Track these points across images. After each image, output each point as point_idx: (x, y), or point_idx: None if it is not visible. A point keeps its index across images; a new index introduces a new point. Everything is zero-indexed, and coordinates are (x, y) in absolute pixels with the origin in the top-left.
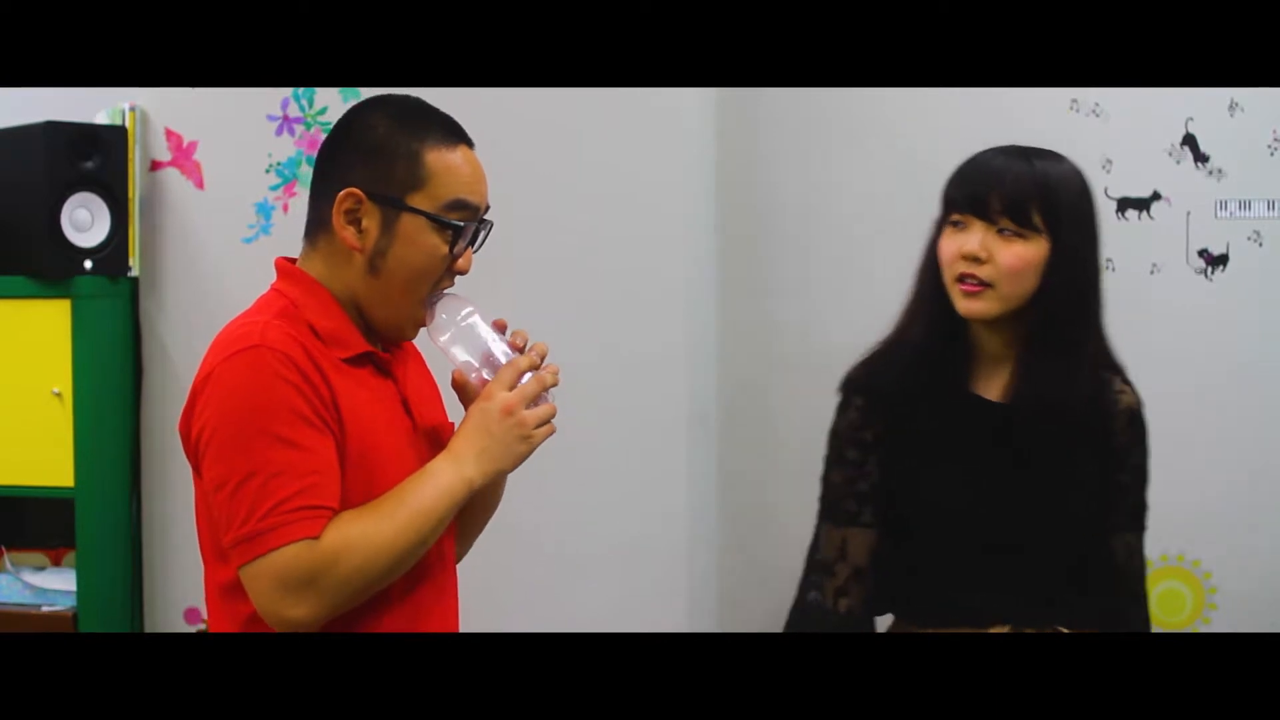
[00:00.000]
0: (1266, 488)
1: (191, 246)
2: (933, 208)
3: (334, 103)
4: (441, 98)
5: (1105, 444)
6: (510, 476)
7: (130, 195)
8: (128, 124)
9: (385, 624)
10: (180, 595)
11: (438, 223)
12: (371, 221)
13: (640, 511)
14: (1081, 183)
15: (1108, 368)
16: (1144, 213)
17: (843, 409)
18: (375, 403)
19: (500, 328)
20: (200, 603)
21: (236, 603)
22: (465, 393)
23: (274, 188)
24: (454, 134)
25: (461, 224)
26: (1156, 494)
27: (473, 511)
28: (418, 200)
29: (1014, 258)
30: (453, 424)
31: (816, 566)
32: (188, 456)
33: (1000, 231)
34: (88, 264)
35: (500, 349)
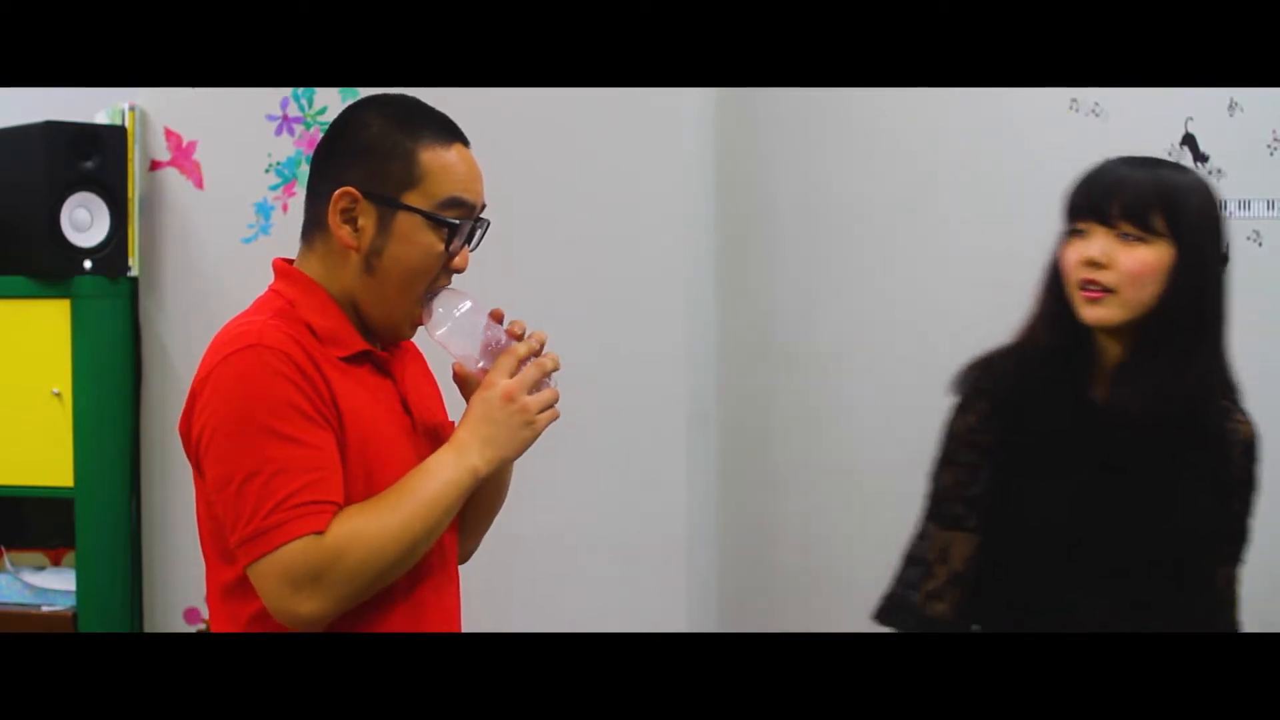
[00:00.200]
0: (1267, 486)
1: (191, 246)
2: (932, 208)
3: (333, 103)
4: (441, 98)
5: (1218, 472)
6: (511, 477)
7: (130, 195)
8: (127, 124)
9: (387, 624)
10: (180, 595)
11: (433, 221)
12: (367, 220)
13: (640, 511)
14: (1207, 192)
15: (1227, 395)
16: None
17: (962, 410)
18: (374, 401)
19: (498, 318)
20: (200, 603)
21: (238, 603)
22: (467, 385)
23: (274, 187)
24: (449, 132)
25: (457, 222)
26: None
27: (479, 507)
28: (413, 199)
29: (1135, 262)
30: (453, 423)
31: (915, 563)
32: (188, 457)
33: (1122, 236)
34: (87, 264)
35: (499, 338)
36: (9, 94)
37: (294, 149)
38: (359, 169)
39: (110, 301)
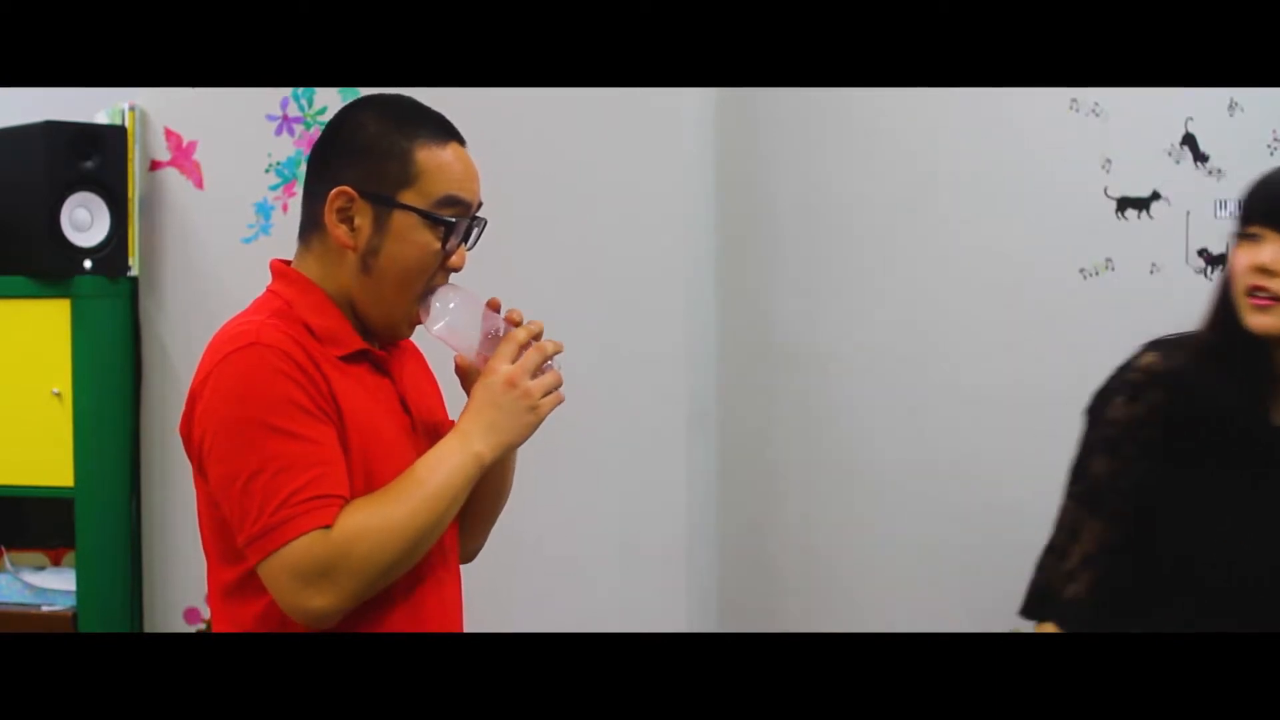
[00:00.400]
0: None
1: (191, 246)
2: (931, 208)
3: (333, 102)
4: (441, 98)
5: None
6: (514, 471)
7: (130, 195)
8: (127, 124)
9: (388, 623)
10: (180, 595)
11: (430, 219)
12: (364, 219)
13: (640, 511)
14: None
15: None
16: (1143, 212)
17: (1131, 399)
18: (372, 400)
19: (495, 307)
20: (200, 602)
21: (240, 603)
22: (469, 378)
23: (274, 187)
24: (445, 131)
25: (453, 220)
26: None
27: (482, 503)
28: (409, 197)
29: None
30: (453, 421)
31: (1053, 551)
32: (189, 458)
33: None
34: (87, 264)
35: (497, 327)
36: (9, 94)
37: (294, 149)
38: (355, 168)
39: (110, 301)
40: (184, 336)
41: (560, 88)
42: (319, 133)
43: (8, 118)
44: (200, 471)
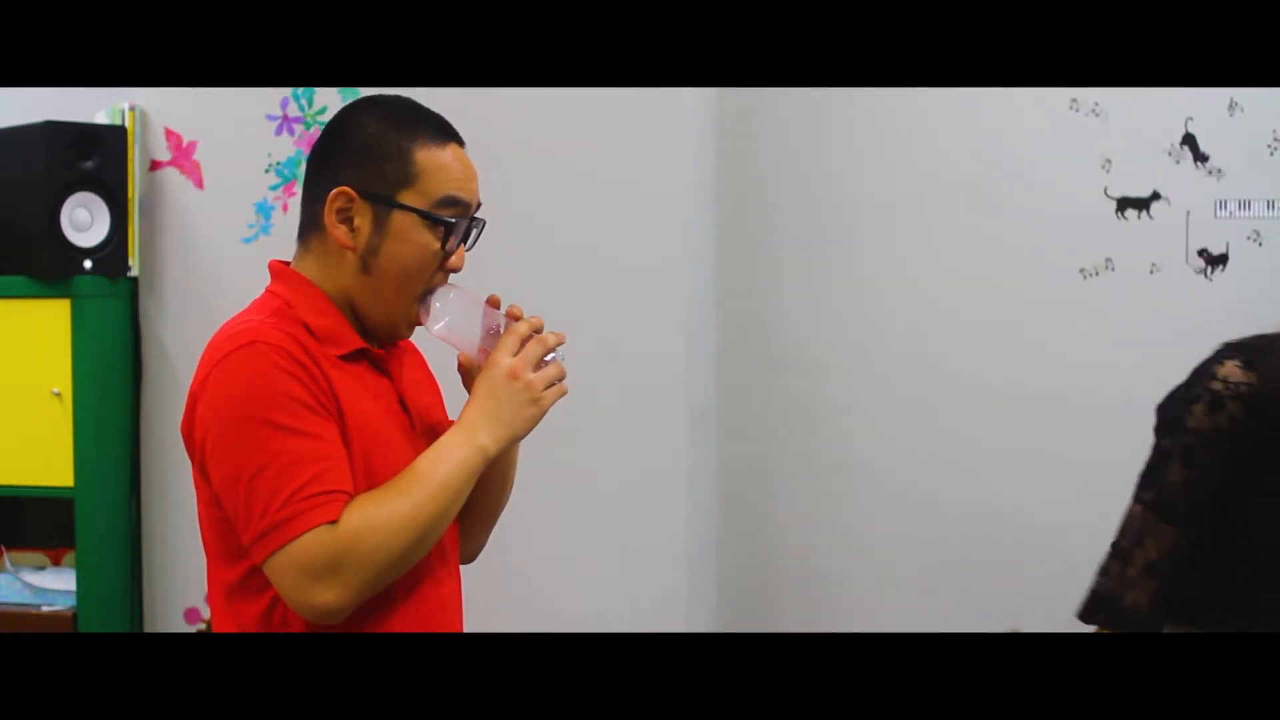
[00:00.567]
0: None
1: (191, 246)
2: (931, 207)
3: (333, 102)
4: (441, 98)
5: None
6: (515, 469)
7: (130, 195)
8: (127, 124)
9: (389, 624)
10: (180, 595)
11: (429, 219)
12: (363, 220)
13: (641, 511)
14: None
15: None
16: (1143, 212)
17: (1211, 410)
18: (372, 399)
19: (495, 304)
20: (200, 602)
21: (242, 602)
22: (471, 376)
23: (273, 187)
24: (444, 132)
25: (453, 220)
26: None
27: (483, 500)
28: (409, 198)
29: None
30: (452, 420)
31: (1117, 554)
32: (190, 457)
33: None
34: (87, 264)
35: (498, 323)
36: (9, 94)
37: (294, 149)
38: (355, 169)
39: (110, 301)
40: (184, 336)
41: (560, 88)
42: (319, 133)
43: (8, 118)
44: (201, 471)
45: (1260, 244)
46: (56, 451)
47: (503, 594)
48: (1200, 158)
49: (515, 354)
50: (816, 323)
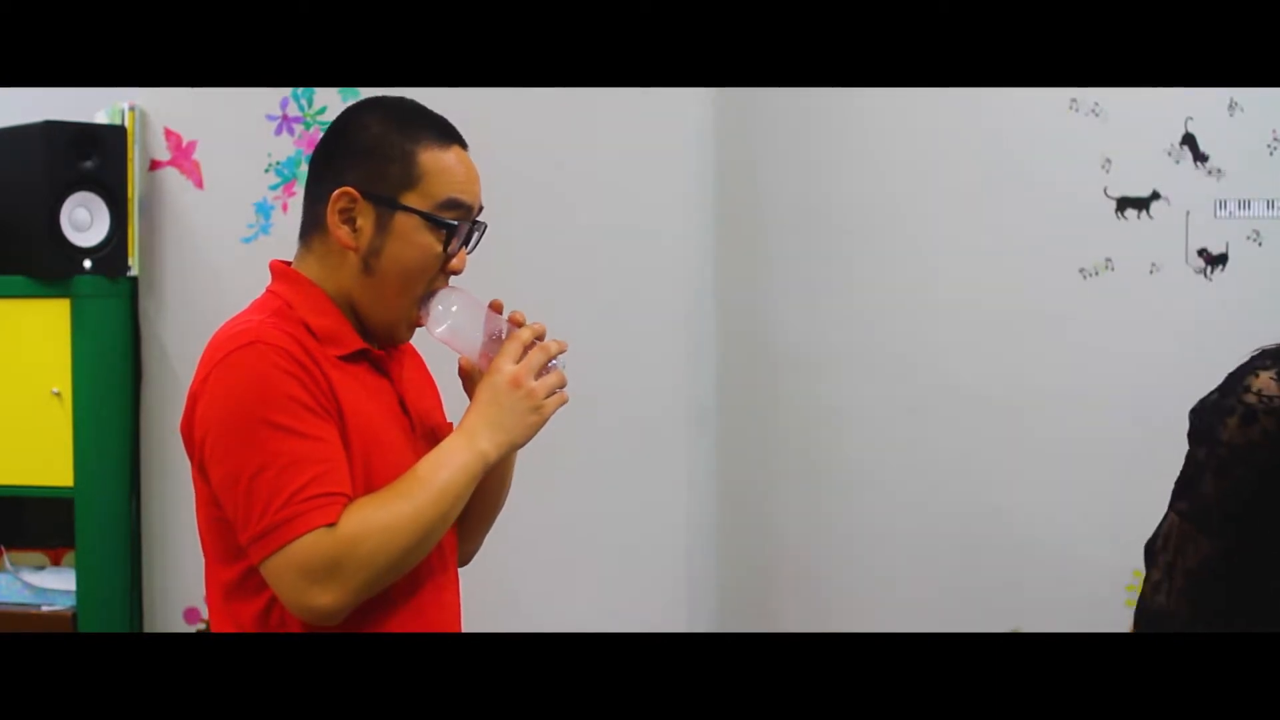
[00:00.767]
0: None
1: (191, 246)
2: (931, 208)
3: (333, 102)
4: (439, 97)
5: None
6: (513, 474)
7: (129, 195)
8: (127, 124)
9: (388, 626)
10: (180, 595)
11: (431, 221)
12: (366, 221)
13: (640, 512)
14: None
15: None
16: (1143, 212)
17: (1244, 423)
18: (371, 400)
19: (497, 309)
20: (200, 602)
21: (239, 602)
22: (472, 381)
23: (273, 187)
24: (447, 134)
25: (455, 223)
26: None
27: (480, 505)
28: (411, 199)
29: None
30: (451, 424)
31: (1160, 564)
32: (190, 457)
33: None
34: (87, 264)
35: (500, 328)
36: (9, 94)
37: (294, 149)
38: (358, 169)
39: (110, 301)
40: (184, 336)
41: (559, 88)
42: (319, 132)
43: (8, 118)
44: (201, 471)
45: (1260, 244)
46: (56, 451)
47: (503, 594)
48: (1200, 158)
49: (518, 361)
50: (816, 324)
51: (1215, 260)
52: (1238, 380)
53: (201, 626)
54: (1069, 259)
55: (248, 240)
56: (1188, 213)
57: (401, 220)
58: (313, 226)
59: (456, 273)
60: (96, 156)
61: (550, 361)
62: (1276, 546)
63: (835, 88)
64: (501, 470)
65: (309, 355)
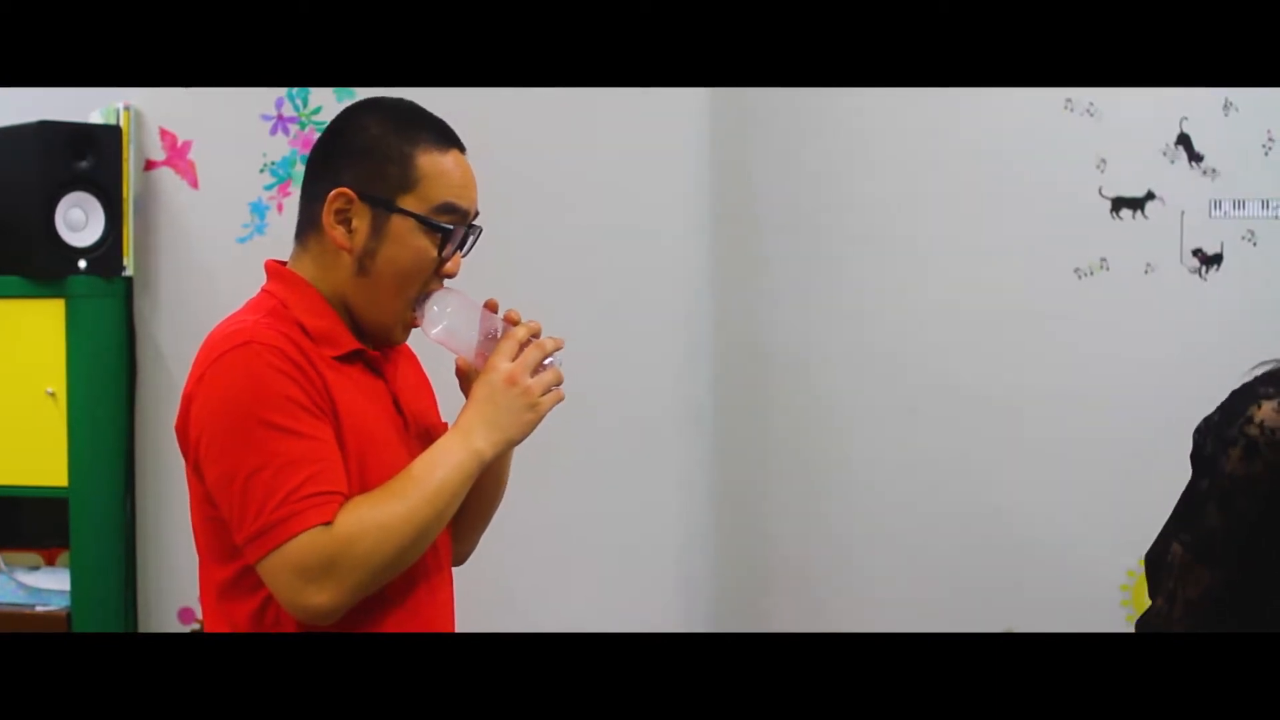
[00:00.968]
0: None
1: (186, 246)
2: (926, 208)
3: (328, 102)
4: (434, 97)
5: None
6: (509, 475)
7: (124, 195)
8: (122, 123)
9: (381, 626)
10: (175, 595)
11: (427, 225)
12: (361, 222)
13: (635, 512)
14: None
15: None
16: (1138, 212)
17: (1247, 456)
18: (366, 400)
19: (493, 308)
20: (195, 602)
21: (233, 602)
22: (469, 380)
23: (268, 187)
24: (446, 138)
25: (451, 227)
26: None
27: (476, 505)
28: (408, 202)
29: None
30: (446, 424)
31: (1163, 592)
32: (184, 457)
33: None
34: (82, 263)
35: (496, 327)
36: (3, 94)
37: (289, 149)
38: (355, 170)
39: (105, 301)
40: (179, 336)
41: (554, 88)
42: (314, 132)
43: (2, 118)
44: (195, 470)
45: (1255, 244)
46: (51, 451)
47: (498, 594)
48: (1195, 157)
49: (513, 359)
50: (812, 324)
51: (1210, 260)
52: (1240, 406)
53: (196, 626)
54: (1064, 259)
55: (243, 240)
56: (1183, 213)
57: (397, 222)
58: (309, 226)
59: (450, 276)
60: (91, 156)
61: (546, 359)
62: (1277, 574)
63: (831, 88)
64: (498, 469)
65: (304, 355)
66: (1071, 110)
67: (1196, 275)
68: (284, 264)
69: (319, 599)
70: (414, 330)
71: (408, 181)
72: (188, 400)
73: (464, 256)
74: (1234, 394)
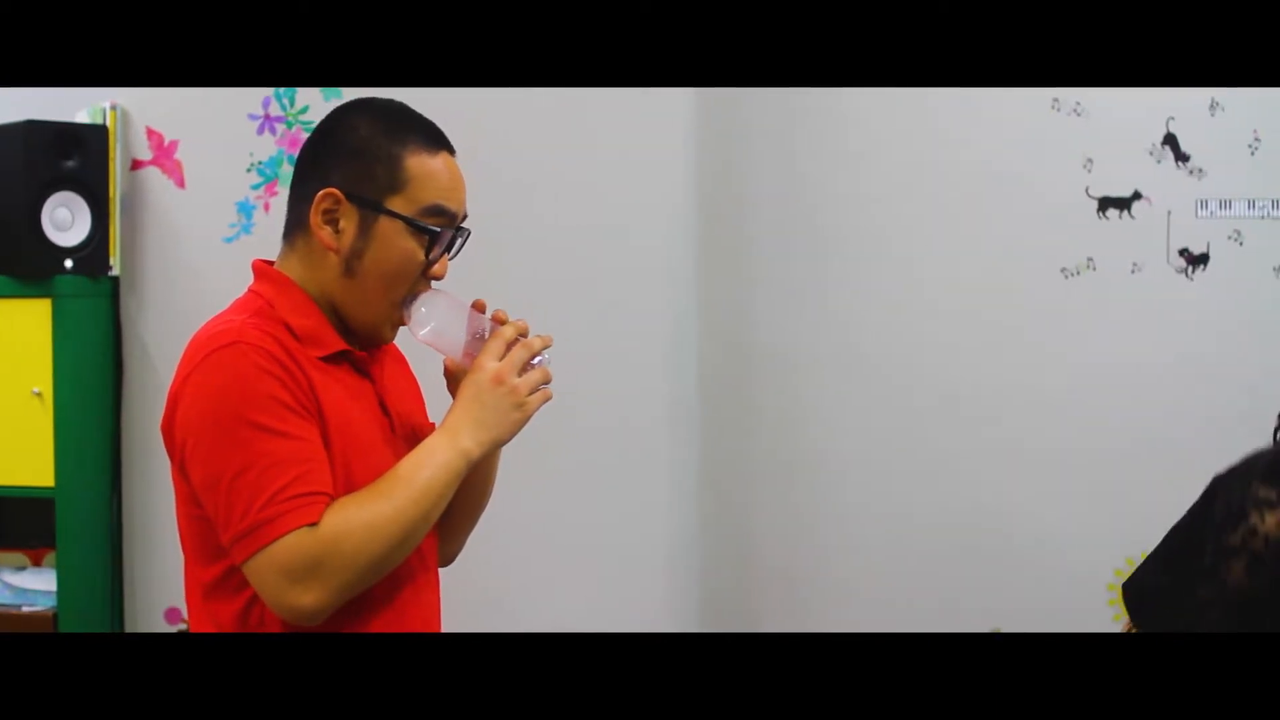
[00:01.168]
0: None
1: (172, 246)
2: (913, 207)
3: (315, 102)
4: (422, 98)
5: None
6: (496, 474)
7: (111, 194)
8: (108, 123)
9: (367, 626)
10: (161, 595)
11: (415, 227)
12: (349, 223)
13: (621, 511)
14: None
15: None
16: (1125, 212)
17: (1252, 570)
18: (352, 401)
19: (480, 309)
20: (181, 602)
21: (218, 602)
22: (457, 380)
23: (255, 187)
24: (435, 140)
25: (438, 230)
26: (1137, 494)
27: (463, 505)
28: (396, 204)
29: None
30: (433, 424)
31: (1141, 607)
32: (170, 457)
33: None
34: (68, 263)
35: (483, 327)
36: None
37: (276, 148)
38: (343, 171)
39: (91, 301)
40: (165, 336)
41: (540, 88)
42: (301, 132)
43: None
44: (181, 471)
45: (1241, 244)
46: (37, 451)
47: (484, 594)
48: (1181, 157)
49: (500, 358)
50: (798, 325)
51: (1197, 260)
52: (1238, 504)
53: (183, 626)
54: (1050, 259)
55: (229, 240)
56: (1169, 212)
57: (385, 224)
58: (296, 226)
59: (438, 278)
60: (78, 156)
61: (534, 359)
62: None
63: (817, 88)
64: (485, 469)
65: (290, 355)
66: (1058, 110)
67: (1183, 275)
68: (271, 264)
69: (305, 600)
70: (402, 330)
71: (396, 183)
72: (174, 400)
73: (451, 259)
74: (1230, 486)
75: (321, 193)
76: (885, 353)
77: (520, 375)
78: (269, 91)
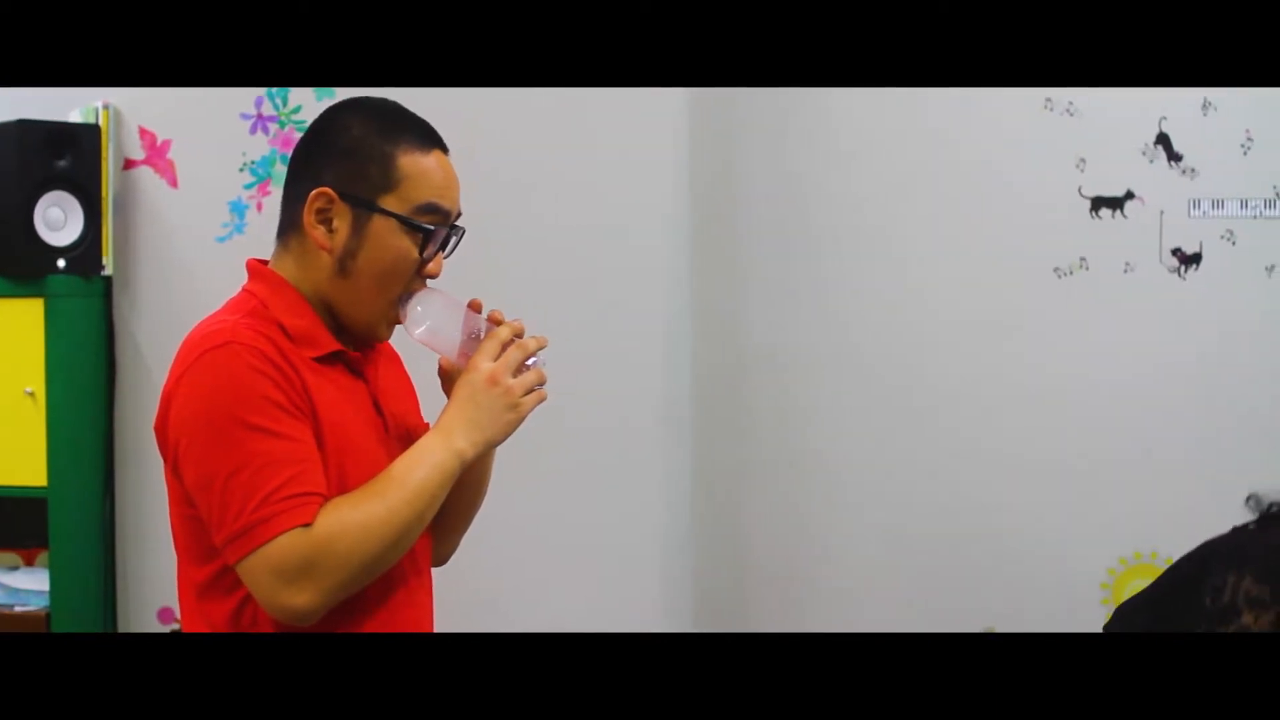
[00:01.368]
0: (1236, 485)
1: (165, 245)
2: (907, 207)
3: (308, 101)
4: (415, 98)
5: None
6: (490, 474)
7: (104, 194)
8: (101, 122)
9: (360, 627)
10: (154, 595)
11: (408, 225)
12: (342, 222)
13: (615, 512)
14: None
15: None
16: (1117, 212)
17: (1263, 607)
18: (346, 401)
19: (476, 309)
20: (174, 602)
21: (211, 602)
22: (452, 380)
23: (248, 186)
24: (428, 138)
25: (432, 228)
26: (1131, 493)
27: (457, 504)
28: (389, 202)
29: None
30: (428, 424)
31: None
32: (163, 457)
33: None
34: (61, 263)
35: (479, 327)
36: None
37: (268, 148)
38: (337, 170)
39: (84, 300)
40: (158, 335)
41: (534, 88)
42: (293, 132)
43: None
44: (174, 471)
45: (1234, 243)
46: (30, 451)
47: (478, 595)
48: (1174, 157)
49: (496, 359)
50: (792, 325)
51: (1189, 260)
52: (1232, 608)
53: (176, 626)
54: (1043, 258)
55: (222, 240)
56: (1162, 212)
57: (378, 223)
58: (290, 226)
59: (432, 277)
60: (70, 155)
61: (529, 359)
62: None
63: (810, 88)
64: (479, 469)
65: (283, 356)
66: (1051, 110)
67: (1176, 275)
68: (265, 263)
69: (298, 600)
70: (397, 329)
71: (389, 182)
72: (167, 400)
73: (446, 257)
74: (1223, 570)
75: (315, 192)
76: (879, 352)
77: (515, 376)
78: (262, 91)
